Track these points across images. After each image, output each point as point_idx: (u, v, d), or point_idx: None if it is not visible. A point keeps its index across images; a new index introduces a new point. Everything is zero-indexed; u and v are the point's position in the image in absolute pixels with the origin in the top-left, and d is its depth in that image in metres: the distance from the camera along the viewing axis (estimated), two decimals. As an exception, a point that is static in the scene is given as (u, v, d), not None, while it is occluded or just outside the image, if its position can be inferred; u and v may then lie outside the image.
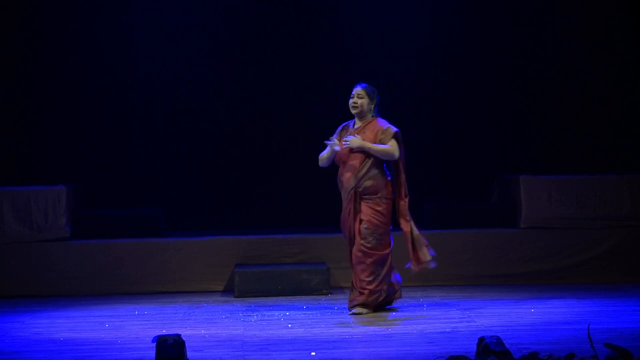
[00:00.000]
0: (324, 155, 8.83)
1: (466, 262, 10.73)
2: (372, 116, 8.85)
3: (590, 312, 8.46)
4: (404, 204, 8.79)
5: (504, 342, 6.06)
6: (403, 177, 8.80)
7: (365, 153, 8.69)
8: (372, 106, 8.83)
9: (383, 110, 12.48)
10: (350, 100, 8.82)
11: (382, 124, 8.81)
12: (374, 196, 8.70)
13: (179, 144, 12.43)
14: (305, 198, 12.19)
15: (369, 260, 8.66)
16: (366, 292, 8.64)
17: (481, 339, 6.11)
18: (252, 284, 10.11)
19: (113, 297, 10.22)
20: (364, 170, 8.69)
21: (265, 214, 12.41)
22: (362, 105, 8.78)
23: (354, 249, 8.70)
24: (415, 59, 12.50)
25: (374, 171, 8.71)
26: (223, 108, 12.50)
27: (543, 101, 12.47)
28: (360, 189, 8.69)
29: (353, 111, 8.83)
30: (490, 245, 10.78)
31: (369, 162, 8.70)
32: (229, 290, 10.45)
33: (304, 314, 8.69)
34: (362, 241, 8.65)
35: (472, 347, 6.29)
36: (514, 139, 12.47)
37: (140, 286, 10.55)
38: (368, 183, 8.69)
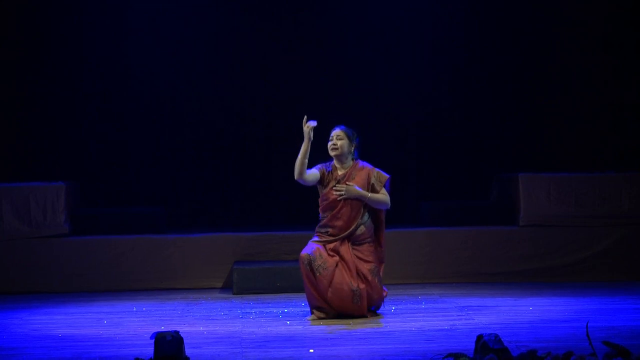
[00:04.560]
0: (300, 158, 8.22)
1: (465, 259, 10.74)
2: (353, 159, 8.47)
3: (588, 310, 8.46)
4: (382, 250, 8.50)
5: (502, 339, 6.04)
6: (384, 224, 8.51)
7: (360, 201, 8.33)
8: (352, 148, 8.42)
9: (383, 110, 12.54)
10: (330, 143, 8.37)
11: (368, 166, 8.46)
12: (364, 240, 8.40)
13: (178, 142, 12.45)
14: (304, 196, 12.17)
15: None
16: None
17: (479, 337, 6.10)
18: (250, 281, 10.11)
19: (112, 294, 10.25)
20: (359, 220, 8.34)
21: (264, 212, 12.41)
22: (342, 147, 8.33)
23: (363, 292, 8.21)
24: (415, 58, 12.52)
25: (366, 218, 8.40)
26: (223, 106, 12.52)
27: (542, 99, 12.47)
28: (353, 236, 8.35)
29: (332, 153, 8.38)
30: (489, 243, 10.78)
31: (364, 210, 8.37)
32: (228, 287, 10.47)
33: (303, 311, 8.68)
34: (373, 279, 8.30)
35: (470, 344, 6.27)
36: (513, 137, 12.47)
37: (139, 283, 10.56)
38: (361, 230, 8.37)
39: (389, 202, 8.43)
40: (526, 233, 10.83)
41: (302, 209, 12.09)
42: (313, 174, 8.39)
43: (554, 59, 12.44)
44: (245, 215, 12.44)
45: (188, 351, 6.32)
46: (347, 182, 8.37)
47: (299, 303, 9.12)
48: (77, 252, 10.64)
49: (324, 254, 8.28)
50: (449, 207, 11.34)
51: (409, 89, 12.58)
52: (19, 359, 6.75)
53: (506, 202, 11.27)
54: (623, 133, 12.25)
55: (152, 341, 6.13)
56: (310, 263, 8.23)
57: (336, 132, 8.44)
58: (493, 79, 12.51)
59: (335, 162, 8.48)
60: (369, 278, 8.30)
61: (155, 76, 12.46)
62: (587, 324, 6.61)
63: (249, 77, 12.57)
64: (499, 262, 10.73)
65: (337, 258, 8.29)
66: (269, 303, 9.34)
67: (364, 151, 11.69)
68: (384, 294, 8.47)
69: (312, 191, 11.78)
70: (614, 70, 12.31)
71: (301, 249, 8.32)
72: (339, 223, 8.35)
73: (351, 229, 8.34)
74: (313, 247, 8.33)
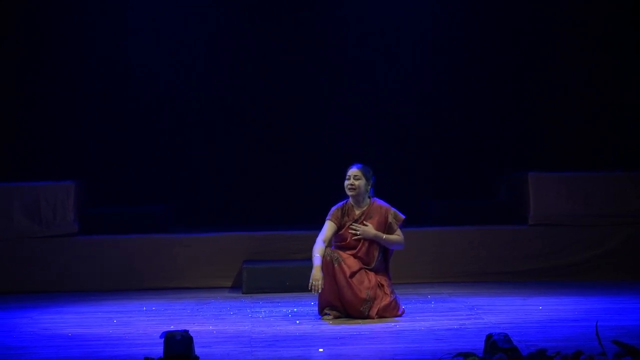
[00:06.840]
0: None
1: (474, 259, 10.73)
2: (369, 197, 8.42)
3: (598, 310, 8.48)
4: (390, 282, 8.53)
5: (512, 339, 6.05)
6: (390, 257, 8.55)
7: (376, 242, 8.36)
8: (369, 187, 8.37)
9: (383, 110, 12.55)
10: (347, 182, 8.30)
11: (385, 204, 8.44)
12: (378, 272, 8.43)
13: (186, 140, 12.47)
14: (312, 194, 12.18)
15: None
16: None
17: (489, 336, 6.11)
18: (260, 280, 10.11)
19: (121, 293, 10.24)
20: (377, 258, 8.38)
21: (272, 210, 12.41)
22: (359, 187, 8.28)
23: (383, 305, 8.24)
24: (415, 58, 12.56)
25: (381, 257, 8.42)
26: (223, 106, 12.54)
27: (542, 99, 12.50)
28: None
29: (350, 193, 8.32)
30: (498, 242, 10.77)
31: (380, 248, 8.39)
32: (237, 287, 10.45)
33: (312, 310, 8.66)
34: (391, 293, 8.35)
35: (480, 344, 6.28)
36: (512, 137, 12.50)
37: (148, 282, 10.55)
38: (376, 265, 8.39)
39: (404, 243, 8.47)
40: (534, 232, 10.82)
41: (307, 208, 12.11)
42: (331, 230, 8.39)
43: (554, 59, 12.46)
44: (246, 215, 12.44)
45: (197, 350, 6.33)
46: (364, 222, 8.36)
47: (309, 302, 9.09)
48: (86, 251, 10.64)
49: (344, 255, 8.30)
50: (456, 206, 11.36)
51: (409, 89, 12.60)
52: (28, 358, 6.76)
53: (514, 202, 11.28)
54: (623, 133, 12.28)
55: (162, 340, 6.14)
56: (330, 254, 8.25)
57: (353, 171, 8.36)
58: (493, 79, 12.53)
59: (351, 201, 8.45)
60: (386, 290, 8.31)
61: (155, 76, 12.47)
62: (597, 323, 6.60)
63: (249, 77, 12.59)
64: (508, 261, 10.72)
65: (361, 265, 8.33)
66: (278, 302, 9.34)
67: (365, 152, 11.75)
68: (399, 312, 8.39)
69: (316, 191, 11.85)
70: (614, 70, 12.33)
71: (310, 248, 8.35)
72: (357, 260, 8.37)
73: (372, 266, 8.36)
74: (333, 247, 8.44)
